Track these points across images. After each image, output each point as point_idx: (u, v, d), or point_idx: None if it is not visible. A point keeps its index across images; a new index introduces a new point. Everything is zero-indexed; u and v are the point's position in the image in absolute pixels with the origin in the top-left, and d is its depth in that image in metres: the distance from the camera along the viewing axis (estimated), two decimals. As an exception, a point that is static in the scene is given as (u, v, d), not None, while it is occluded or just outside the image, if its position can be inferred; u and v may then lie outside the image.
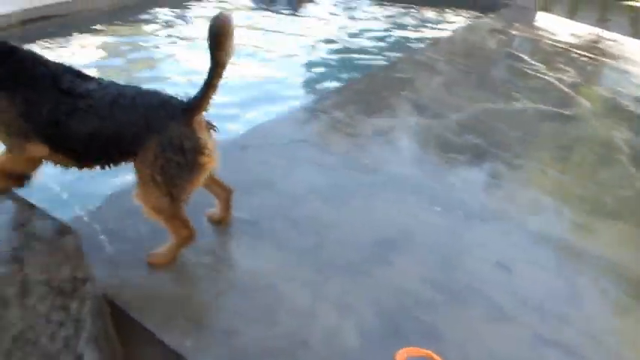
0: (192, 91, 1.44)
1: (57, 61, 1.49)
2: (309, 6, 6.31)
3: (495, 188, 2.19)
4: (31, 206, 1.45)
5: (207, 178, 1.55)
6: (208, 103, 1.43)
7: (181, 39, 5.18)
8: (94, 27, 5.22)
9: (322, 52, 4.83)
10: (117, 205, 1.83)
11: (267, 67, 4.45)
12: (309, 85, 4.13)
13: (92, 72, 1.52)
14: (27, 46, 1.47)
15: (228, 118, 3.54)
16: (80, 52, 4.77)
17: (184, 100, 1.45)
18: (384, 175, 2.10)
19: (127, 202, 1.86)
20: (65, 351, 1.43)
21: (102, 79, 1.50)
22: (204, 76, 1.40)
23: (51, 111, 1.39)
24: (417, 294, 1.54)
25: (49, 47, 4.70)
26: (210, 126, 1.51)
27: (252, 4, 6.38)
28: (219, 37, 1.33)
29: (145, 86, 1.52)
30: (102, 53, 4.85)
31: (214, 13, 1.34)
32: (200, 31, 5.35)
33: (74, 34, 5.04)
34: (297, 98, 3.86)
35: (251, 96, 3.86)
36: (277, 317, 1.42)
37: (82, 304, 1.44)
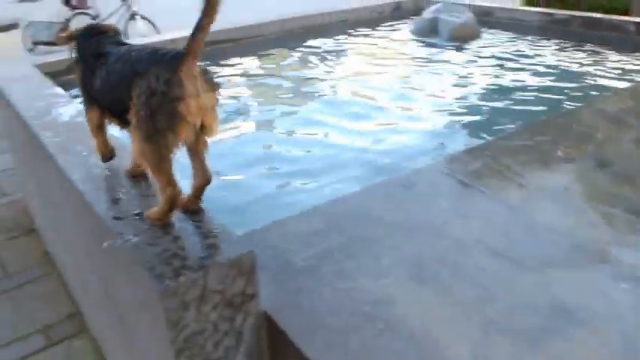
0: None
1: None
2: (471, 42, 6.07)
3: (701, 270, 1.84)
4: (215, 222, 1.57)
5: (193, 150, 1.54)
6: (199, 48, 1.36)
7: (332, 71, 5.44)
8: (262, 51, 5.75)
9: (485, 94, 4.61)
10: (282, 229, 1.91)
11: (427, 107, 4.40)
12: (472, 129, 3.98)
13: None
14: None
15: (382, 154, 3.56)
16: (246, 72, 5.29)
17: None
18: (560, 236, 1.90)
19: (292, 228, 1.94)
20: (224, 360, 1.50)
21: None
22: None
23: (90, 70, 1.66)
24: (600, 380, 1.34)
25: (221, 66, 5.28)
26: (212, 83, 1.44)
27: (411, 36, 6.37)
28: None
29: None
30: (265, 75, 5.32)
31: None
32: (353, 61, 5.52)
33: (243, 57, 5.59)
34: (459, 141, 3.74)
35: (408, 137, 3.85)
36: (435, 372, 1.33)
37: (246, 319, 1.50)
